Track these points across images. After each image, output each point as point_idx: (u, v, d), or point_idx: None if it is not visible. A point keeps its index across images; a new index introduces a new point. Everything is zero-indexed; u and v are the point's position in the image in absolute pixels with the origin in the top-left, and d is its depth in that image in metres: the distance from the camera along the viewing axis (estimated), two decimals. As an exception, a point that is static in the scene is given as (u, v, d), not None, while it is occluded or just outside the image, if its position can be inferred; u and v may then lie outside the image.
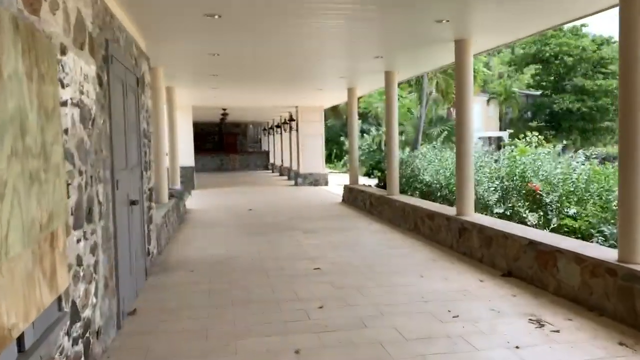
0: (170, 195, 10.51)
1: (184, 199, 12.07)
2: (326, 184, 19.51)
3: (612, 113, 41.66)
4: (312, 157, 19.43)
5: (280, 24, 6.46)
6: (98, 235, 3.94)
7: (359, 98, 31.23)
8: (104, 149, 4.22)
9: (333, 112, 30.98)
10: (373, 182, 13.52)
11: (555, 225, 6.71)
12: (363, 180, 13.70)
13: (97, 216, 3.91)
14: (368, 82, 12.52)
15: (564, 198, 6.97)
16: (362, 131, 29.11)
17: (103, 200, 4.11)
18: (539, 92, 44.44)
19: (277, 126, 25.09)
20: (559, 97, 41.75)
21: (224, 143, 33.75)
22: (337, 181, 21.22)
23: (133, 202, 5.27)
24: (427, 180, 10.01)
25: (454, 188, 9.27)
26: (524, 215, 6.98)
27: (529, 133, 10.28)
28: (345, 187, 13.53)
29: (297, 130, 19.58)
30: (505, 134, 39.59)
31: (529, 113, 46.09)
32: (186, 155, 18.13)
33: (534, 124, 43.35)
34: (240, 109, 21.14)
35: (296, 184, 19.53)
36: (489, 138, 41.11)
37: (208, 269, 6.48)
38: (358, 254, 7.17)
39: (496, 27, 7.02)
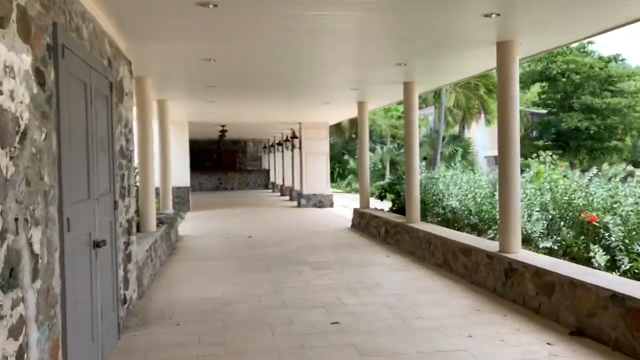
0: (160, 222, 9.23)
1: (176, 225, 10.79)
2: (331, 205, 18.24)
3: (621, 132, 40.61)
4: (316, 176, 18.20)
5: (287, 16, 5.25)
6: (29, 304, 2.66)
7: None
8: (47, 176, 2.97)
9: (335, 129, 29.87)
10: (385, 205, 12.27)
11: (626, 267, 5.44)
12: (374, 204, 12.45)
13: (26, 277, 2.64)
14: (382, 95, 11.34)
15: (634, 233, 5.70)
16: (371, 149, 28.00)
17: (41, 250, 2.85)
18: (544, 111, 43.50)
19: (279, 144, 23.92)
20: (566, 116, 40.78)
21: (222, 161, 32.53)
22: (342, 202, 19.95)
23: (98, 244, 3.99)
24: (454, 206, 8.74)
25: (487, 216, 8.02)
26: (590, 254, 5.69)
27: (542, 152, 9.11)
28: (356, 211, 12.26)
29: (300, 148, 18.38)
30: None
31: (534, 132, 45.11)
32: (181, 174, 16.90)
33: (540, 142, 42.30)
34: (240, 125, 19.96)
35: (299, 205, 18.25)
36: (495, 157, 39.99)
37: (198, 322, 5.17)
38: (382, 300, 5.87)
39: (544, 27, 5.85)
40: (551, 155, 9.50)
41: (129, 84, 5.80)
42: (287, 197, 22.48)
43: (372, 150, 27.89)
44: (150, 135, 8.57)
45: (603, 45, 60.60)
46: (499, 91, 6.31)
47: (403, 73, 8.51)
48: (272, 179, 29.33)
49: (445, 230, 8.25)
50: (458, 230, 8.80)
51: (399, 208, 11.22)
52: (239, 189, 29.73)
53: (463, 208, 8.73)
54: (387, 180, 11.92)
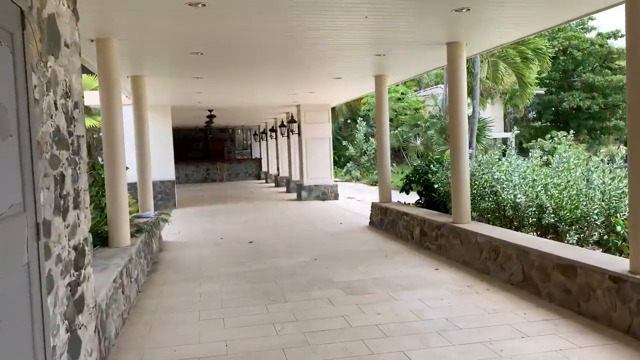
0: (137, 230, 7.14)
1: (159, 231, 8.69)
2: (336, 197, 16.21)
3: (623, 110, 39.29)
4: (318, 165, 16.13)
5: None
6: None
7: (361, 99, 28.13)
8: None
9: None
10: (409, 198, 10.30)
11: None
12: (395, 197, 10.44)
13: None
14: (411, 63, 9.24)
15: None
16: (371, 134, 25.94)
17: None
18: (543, 91, 41.78)
19: (272, 130, 21.80)
20: (568, 95, 39.07)
21: (209, 150, 30.29)
22: (345, 193, 17.94)
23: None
24: (518, 200, 6.75)
25: (571, 215, 6.06)
26: None
27: (556, 133, 7.50)
28: (375, 206, 10.24)
29: (299, 133, 16.27)
30: (510, 135, 36.68)
31: (533, 112, 43.43)
32: (165, 166, 14.74)
33: (538, 123, 40.65)
34: (230, 110, 17.77)
35: (299, 198, 16.20)
36: (494, 140, 38.24)
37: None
38: (470, 353, 3.88)
39: None
40: (565, 137, 7.85)
41: (72, 30, 3.67)
42: (284, 189, 20.41)
43: (372, 135, 25.82)
44: (118, 119, 6.43)
45: (601, 23, 58.97)
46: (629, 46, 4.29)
47: (450, 27, 6.45)
48: (264, 169, 27.22)
49: (518, 235, 6.25)
50: (515, 229, 6.86)
51: (431, 202, 9.23)
52: (228, 180, 27.58)
53: (530, 203, 6.76)
54: (418, 170, 9.78)
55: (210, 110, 17.25)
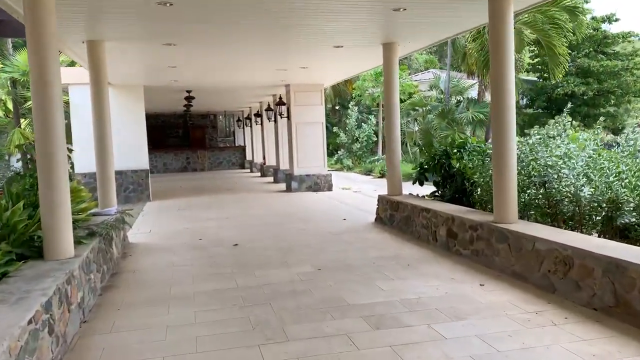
0: (89, 234, 5.49)
1: (122, 232, 7.01)
2: (329, 188, 14.61)
3: (617, 96, 38.32)
4: (310, 152, 14.50)
5: None
6: None
7: (347, 81, 26.36)
8: None
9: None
10: (422, 190, 8.80)
11: None
12: (406, 188, 8.90)
13: None
14: (432, 24, 7.64)
15: None
16: (362, 121, 24.37)
17: None
18: (534, 77, 40.59)
19: (257, 114, 20.06)
20: (563, 80, 37.88)
21: (190, 138, 28.42)
22: (339, 183, 16.36)
23: None
24: (584, 194, 5.22)
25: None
26: None
27: (558, 119, 6.06)
28: (383, 199, 8.66)
29: (288, 117, 14.59)
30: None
31: (526, 99, 42.28)
32: (137, 154, 13.01)
33: (529, 110, 39.50)
34: (210, 91, 16.02)
35: (289, 189, 14.57)
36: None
37: None
38: None
39: None
40: (570, 122, 6.44)
41: None
42: (271, 178, 18.78)
43: (366, 120, 24.27)
44: (51, 87, 4.68)
45: (596, 6, 57.93)
46: None
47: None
48: (249, 157, 25.49)
49: (598, 241, 4.72)
50: (571, 229, 5.38)
51: (453, 195, 7.70)
52: (210, 169, 25.82)
53: (598, 197, 5.24)
54: (433, 155, 8.23)
55: (188, 92, 15.48)
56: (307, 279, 5.41)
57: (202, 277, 5.68)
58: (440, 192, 8.24)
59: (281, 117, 14.77)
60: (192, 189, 16.31)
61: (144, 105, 13.38)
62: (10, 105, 15.17)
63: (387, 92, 8.68)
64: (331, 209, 10.85)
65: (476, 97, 16.75)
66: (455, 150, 7.69)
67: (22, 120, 15.08)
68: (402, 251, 6.62)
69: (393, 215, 8.23)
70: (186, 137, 28.53)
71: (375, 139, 24.12)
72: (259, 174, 21.72)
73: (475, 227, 5.92)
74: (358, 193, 14.39)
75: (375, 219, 8.93)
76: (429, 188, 8.78)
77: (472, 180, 6.92)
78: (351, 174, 21.03)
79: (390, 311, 4.34)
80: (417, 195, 8.59)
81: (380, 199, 8.79)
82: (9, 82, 13.73)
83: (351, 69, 13.31)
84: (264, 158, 20.66)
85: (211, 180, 19.44)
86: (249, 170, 24.14)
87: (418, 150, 18.91)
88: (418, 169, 8.65)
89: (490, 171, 6.13)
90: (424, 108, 17.55)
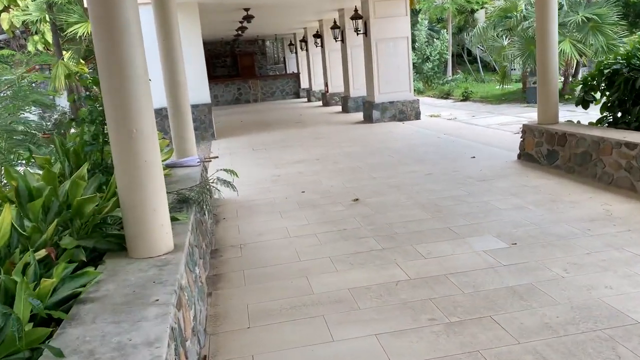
0: (180, 201, 3.79)
1: (207, 198, 5.28)
2: (417, 116, 12.52)
3: None
4: (393, 75, 12.34)
5: None
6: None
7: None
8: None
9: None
10: (581, 117, 6.72)
11: None
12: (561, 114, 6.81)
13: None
14: None
15: None
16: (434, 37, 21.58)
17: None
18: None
19: (317, 35, 17.73)
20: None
21: (238, 67, 26.40)
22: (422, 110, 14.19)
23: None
24: None
25: None
26: None
27: None
28: (535, 129, 6.56)
29: (365, 33, 12.31)
30: None
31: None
32: (197, 86, 11.19)
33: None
34: (270, 6, 13.77)
35: (369, 120, 12.58)
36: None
37: None
38: None
39: None
40: None
41: None
42: (337, 108, 16.77)
43: (438, 36, 21.43)
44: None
45: None
46: None
47: None
48: (304, 85, 23.37)
49: None
50: None
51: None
52: (263, 100, 23.89)
53: None
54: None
55: (246, 10, 13.29)
56: (510, 263, 3.57)
57: (343, 259, 3.92)
58: (618, 117, 6.09)
59: (358, 34, 12.48)
60: (254, 123, 14.52)
61: (200, 28, 11.38)
62: (49, 37, 13.45)
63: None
64: (440, 144, 8.85)
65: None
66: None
67: (64, 53, 13.40)
68: (606, 207, 4.66)
69: (554, 152, 6.19)
70: (234, 66, 26.54)
71: (447, 56, 21.42)
72: (319, 103, 19.71)
73: None
74: (454, 121, 12.27)
75: (519, 156, 6.91)
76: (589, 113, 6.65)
77: None
78: (425, 99, 18.70)
79: None
80: (579, 122, 6.50)
81: (529, 129, 6.71)
82: (44, 5, 11.91)
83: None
84: (325, 85, 18.54)
85: (271, 113, 17.58)
86: (305, 100, 22.08)
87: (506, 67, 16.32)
88: (583, 86, 6.47)
89: None
90: (518, 14, 14.81)
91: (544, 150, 6.36)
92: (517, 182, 5.74)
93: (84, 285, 2.43)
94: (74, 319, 2.15)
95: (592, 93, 6.45)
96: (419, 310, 3.00)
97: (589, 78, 6.44)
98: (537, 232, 4.15)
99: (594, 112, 6.71)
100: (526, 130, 6.77)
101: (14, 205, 2.73)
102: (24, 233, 2.55)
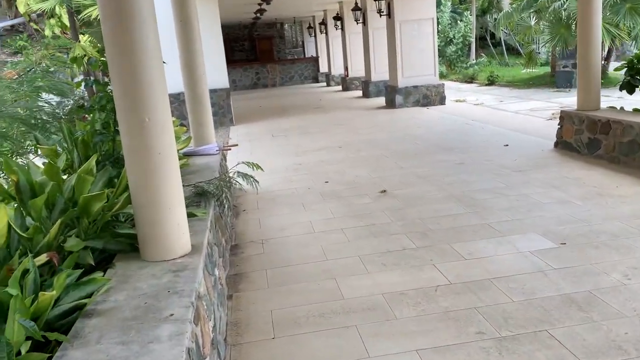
0: (198, 194, 3.51)
1: (228, 193, 4.97)
2: (442, 101, 12.07)
3: None
4: (417, 58, 11.88)
5: None
6: None
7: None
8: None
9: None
10: (621, 103, 6.27)
11: None
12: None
13: None
14: None
15: None
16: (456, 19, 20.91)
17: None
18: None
19: (337, 17, 17.26)
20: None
21: (256, 50, 26.02)
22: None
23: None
24: None
25: None
26: None
27: None
28: (575, 116, 6.12)
29: (389, 14, 11.84)
30: None
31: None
32: (215, 69, 10.88)
33: None
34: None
35: (392, 105, 12.16)
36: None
37: None
38: None
39: None
40: None
41: None
42: (357, 93, 16.35)
43: (462, 17, 20.75)
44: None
45: None
46: None
47: None
48: (323, 69, 22.92)
49: None
50: None
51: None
52: (282, 84, 23.50)
53: None
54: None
55: (264, -8, 12.90)
56: (561, 267, 3.22)
57: (374, 259, 3.60)
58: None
59: (381, 15, 12.01)
60: (273, 108, 14.20)
61: (218, 8, 11.04)
62: (66, 20, 13.22)
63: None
64: (467, 131, 8.44)
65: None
66: None
67: (81, 36, 13.16)
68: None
69: (596, 141, 5.76)
70: (252, 50, 26.17)
71: (471, 39, 20.75)
72: (339, 87, 19.28)
73: None
74: (481, 106, 11.79)
75: (556, 145, 6.49)
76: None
77: None
78: (449, 83, 18.13)
79: None
80: (622, 108, 6.05)
81: (567, 116, 6.28)
82: (59, -12, 11.69)
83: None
84: (345, 69, 18.10)
85: (290, 98, 17.22)
86: (324, 84, 21.65)
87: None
88: (627, 70, 6.01)
89: None
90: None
91: (584, 138, 5.93)
92: (557, 173, 5.34)
93: (91, 294, 2.15)
94: (77, 337, 1.87)
95: (638, 77, 5.98)
96: (463, 321, 2.68)
97: (635, 61, 5.97)
98: (586, 230, 3.78)
99: (630, 98, 6.24)
100: (564, 116, 6.33)
101: (14, 202, 2.46)
102: (24, 235, 2.28)
